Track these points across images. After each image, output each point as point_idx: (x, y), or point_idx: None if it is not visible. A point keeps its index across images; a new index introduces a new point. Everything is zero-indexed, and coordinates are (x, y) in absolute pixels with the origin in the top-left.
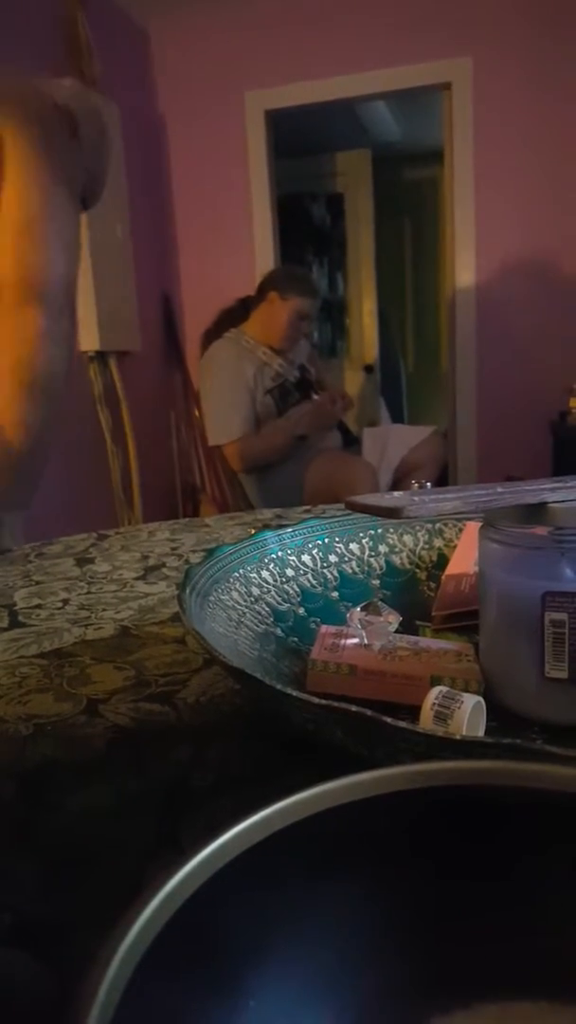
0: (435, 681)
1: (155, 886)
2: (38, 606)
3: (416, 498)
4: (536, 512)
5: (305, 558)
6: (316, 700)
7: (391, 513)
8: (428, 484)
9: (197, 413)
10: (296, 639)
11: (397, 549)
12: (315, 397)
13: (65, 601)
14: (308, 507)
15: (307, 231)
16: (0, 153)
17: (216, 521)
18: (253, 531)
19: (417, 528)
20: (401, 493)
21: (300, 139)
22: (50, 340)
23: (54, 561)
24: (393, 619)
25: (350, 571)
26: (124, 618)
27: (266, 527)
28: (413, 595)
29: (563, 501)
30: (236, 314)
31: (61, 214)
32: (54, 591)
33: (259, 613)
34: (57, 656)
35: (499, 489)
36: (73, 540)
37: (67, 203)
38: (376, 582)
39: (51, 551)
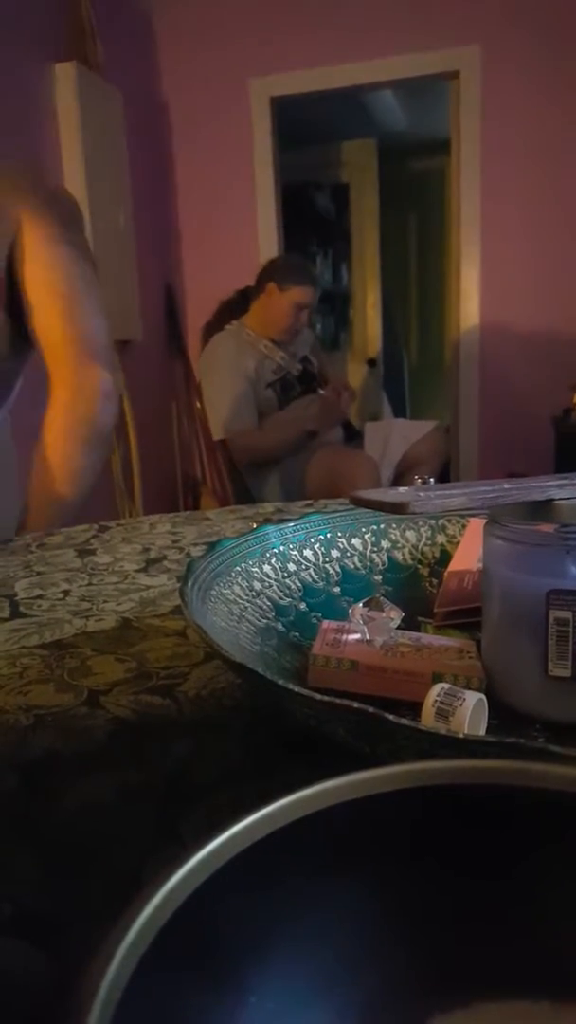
0: (437, 678)
1: (157, 882)
2: (39, 597)
3: (422, 494)
4: (542, 509)
5: (307, 553)
6: (318, 696)
7: (396, 509)
8: (431, 480)
9: (199, 405)
10: (297, 634)
11: (399, 545)
12: (321, 392)
13: (66, 592)
14: (310, 501)
15: (312, 221)
16: (20, 235)
17: (217, 514)
18: (255, 525)
19: (420, 524)
20: (406, 489)
21: (305, 128)
22: (109, 397)
23: (55, 552)
24: (395, 615)
25: (352, 566)
26: (125, 610)
27: (267, 521)
28: (415, 591)
29: (569, 498)
30: (236, 306)
31: (92, 282)
32: (55, 582)
33: (260, 607)
34: (58, 647)
35: (505, 486)
36: (74, 531)
37: (92, 273)
38: (378, 578)
39: (52, 542)
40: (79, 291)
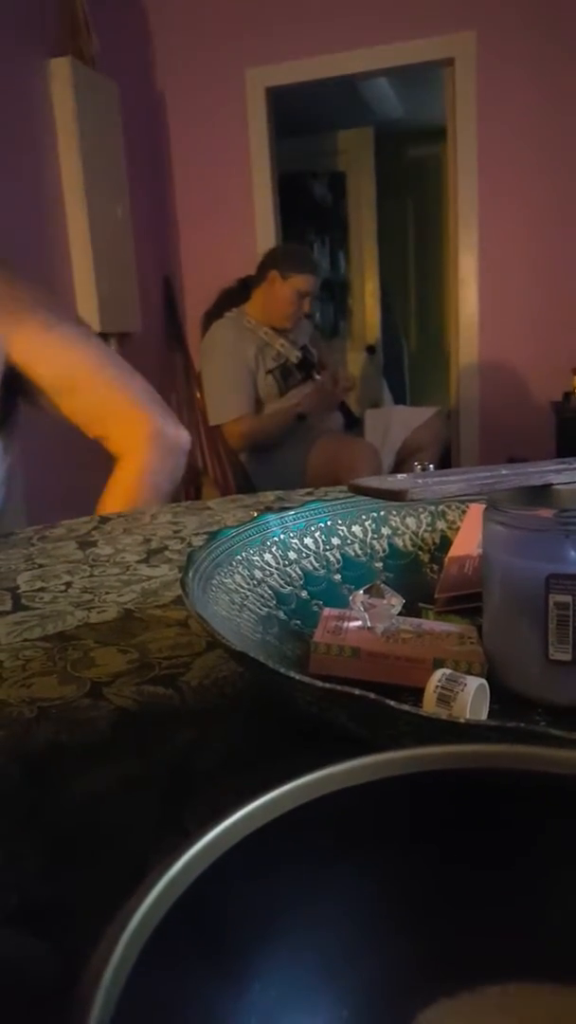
0: (438, 664)
1: (160, 869)
2: (41, 589)
3: (420, 480)
4: (541, 494)
5: (308, 541)
6: (320, 683)
7: (395, 496)
8: (431, 466)
9: (198, 395)
10: (299, 622)
11: (400, 531)
12: (317, 377)
13: (68, 584)
14: (310, 489)
15: (309, 210)
16: (11, 347)
17: (218, 504)
18: (255, 514)
19: (420, 510)
20: (405, 476)
21: (301, 117)
22: (187, 452)
23: (56, 544)
24: (396, 602)
25: (353, 553)
26: (127, 601)
27: (267, 510)
28: (416, 577)
29: (568, 483)
30: (236, 294)
31: (110, 350)
32: (57, 574)
33: (262, 596)
34: (61, 639)
35: (503, 471)
36: (75, 523)
37: (103, 342)
38: (379, 564)
39: (53, 534)
40: (110, 361)
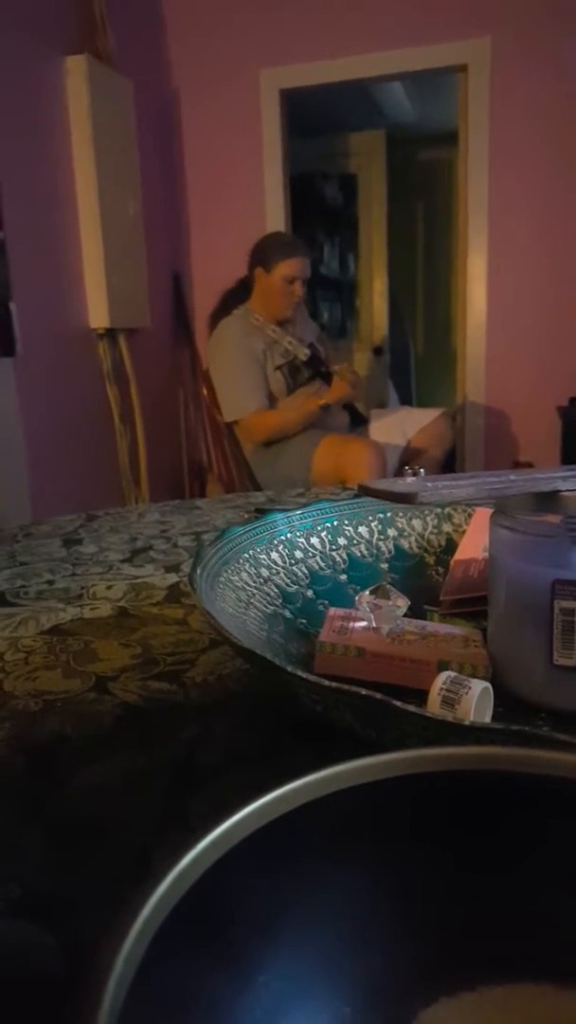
0: (442, 666)
1: (168, 864)
2: (23, 587)
3: (430, 484)
4: (548, 500)
5: (314, 540)
6: (327, 682)
7: (405, 499)
8: (422, 471)
9: (205, 392)
10: (304, 621)
11: (406, 533)
12: (335, 368)
13: (50, 583)
14: (301, 490)
15: (319, 211)
16: None
17: (207, 504)
18: (246, 515)
19: (426, 513)
20: (414, 479)
21: (314, 119)
22: None
23: (41, 541)
24: (401, 603)
25: (359, 554)
26: (117, 599)
27: (259, 510)
28: (421, 579)
29: (575, 490)
30: (239, 294)
31: None
32: (38, 572)
33: (268, 594)
34: (58, 633)
35: (512, 476)
36: (62, 521)
37: None
38: (385, 566)
39: (39, 531)
40: None
